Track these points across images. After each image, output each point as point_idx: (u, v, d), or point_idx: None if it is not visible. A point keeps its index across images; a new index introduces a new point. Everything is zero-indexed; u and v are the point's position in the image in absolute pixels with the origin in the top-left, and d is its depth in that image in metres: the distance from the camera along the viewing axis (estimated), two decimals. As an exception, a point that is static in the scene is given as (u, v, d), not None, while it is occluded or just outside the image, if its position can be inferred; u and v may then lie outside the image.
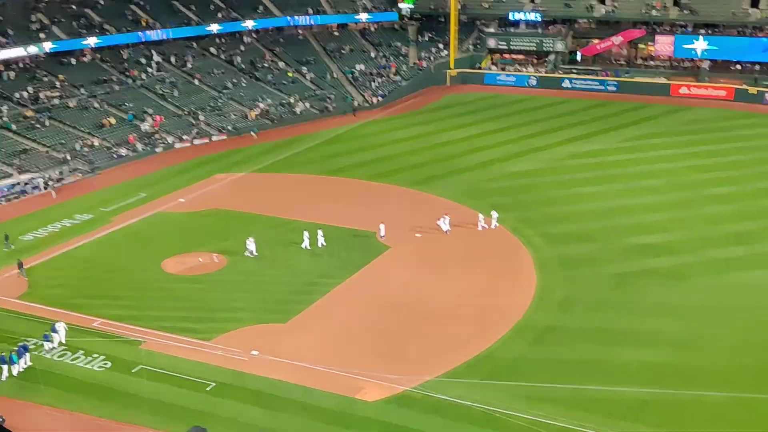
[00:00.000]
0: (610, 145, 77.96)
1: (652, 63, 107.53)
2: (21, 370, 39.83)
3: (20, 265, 51.59)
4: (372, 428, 34.30)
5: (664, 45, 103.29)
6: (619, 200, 62.19)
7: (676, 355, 39.49)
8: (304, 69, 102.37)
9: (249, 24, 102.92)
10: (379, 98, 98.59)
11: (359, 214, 59.67)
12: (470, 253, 53.27)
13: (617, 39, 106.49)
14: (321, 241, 54.20)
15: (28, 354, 40.60)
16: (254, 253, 53.13)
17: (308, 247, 53.87)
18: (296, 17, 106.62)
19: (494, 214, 57.30)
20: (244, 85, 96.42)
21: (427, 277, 49.68)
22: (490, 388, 36.74)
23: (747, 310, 44.07)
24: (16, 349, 40.53)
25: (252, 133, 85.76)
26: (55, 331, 42.42)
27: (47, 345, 41.87)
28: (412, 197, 64.66)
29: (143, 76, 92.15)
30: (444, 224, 56.23)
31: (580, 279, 48.56)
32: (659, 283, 47.65)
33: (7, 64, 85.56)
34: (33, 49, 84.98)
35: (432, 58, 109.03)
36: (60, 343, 42.16)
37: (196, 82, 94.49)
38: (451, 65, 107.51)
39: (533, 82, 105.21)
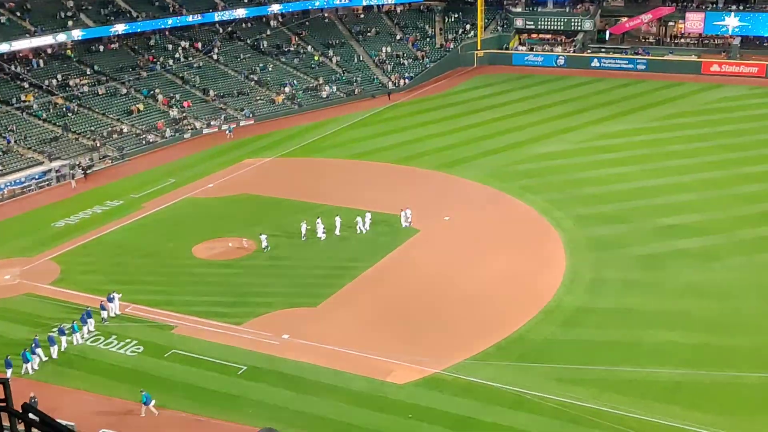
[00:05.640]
0: (639, 124, 77.13)
1: (682, 41, 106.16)
2: (81, 341, 41.09)
3: None
4: (402, 410, 34.42)
5: (694, 22, 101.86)
6: (648, 180, 61.56)
7: (709, 336, 39.16)
8: (330, 52, 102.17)
9: (275, 8, 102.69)
10: (406, 80, 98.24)
11: (387, 198, 59.56)
12: (499, 236, 53.10)
13: (646, 17, 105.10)
14: (337, 229, 53.79)
15: (91, 320, 42.13)
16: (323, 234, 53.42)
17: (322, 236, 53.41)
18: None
19: (407, 212, 54.77)
20: (270, 69, 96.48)
21: (456, 259, 49.60)
22: (521, 370, 36.71)
23: (781, 290, 43.64)
24: (80, 317, 42.08)
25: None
26: (110, 300, 43.65)
27: (103, 314, 43.06)
28: (440, 180, 64.45)
29: (170, 62, 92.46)
30: (404, 219, 54.55)
31: (610, 260, 48.24)
32: (690, 264, 47.20)
33: (37, 52, 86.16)
34: (62, 37, 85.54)
35: (459, 40, 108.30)
36: (115, 314, 43.54)
37: (223, 67, 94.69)
38: (479, 46, 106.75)
39: (561, 61, 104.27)
